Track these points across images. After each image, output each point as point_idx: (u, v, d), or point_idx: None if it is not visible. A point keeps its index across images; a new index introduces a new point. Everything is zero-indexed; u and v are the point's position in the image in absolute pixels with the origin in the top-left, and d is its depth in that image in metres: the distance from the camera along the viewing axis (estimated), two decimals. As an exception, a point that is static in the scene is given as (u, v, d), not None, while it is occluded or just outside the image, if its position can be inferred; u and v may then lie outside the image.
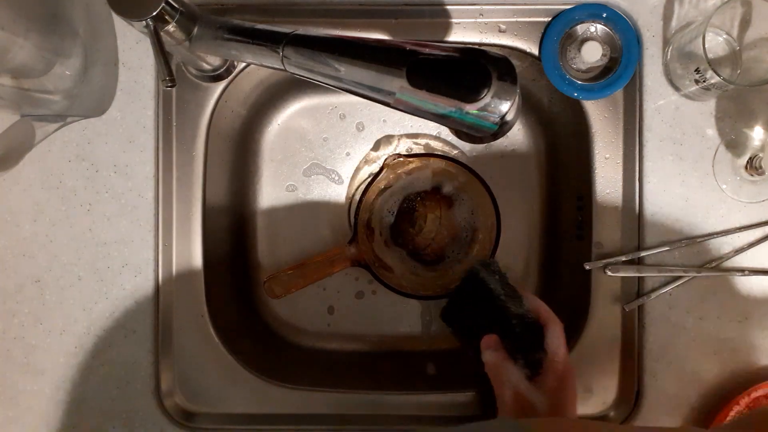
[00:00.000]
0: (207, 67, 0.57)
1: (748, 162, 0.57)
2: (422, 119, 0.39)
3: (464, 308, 0.58)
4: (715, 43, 0.56)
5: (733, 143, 0.58)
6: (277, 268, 0.68)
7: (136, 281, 0.58)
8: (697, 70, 0.52)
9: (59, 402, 0.58)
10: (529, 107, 0.68)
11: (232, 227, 0.68)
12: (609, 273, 0.58)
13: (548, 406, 0.49)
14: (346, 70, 0.40)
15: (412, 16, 0.59)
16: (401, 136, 0.69)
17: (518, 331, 0.53)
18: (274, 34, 0.44)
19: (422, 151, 0.68)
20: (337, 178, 0.69)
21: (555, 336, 0.52)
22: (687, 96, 0.57)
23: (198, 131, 0.59)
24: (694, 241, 0.58)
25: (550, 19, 0.58)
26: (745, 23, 0.55)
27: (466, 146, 0.70)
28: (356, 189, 0.70)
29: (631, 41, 0.56)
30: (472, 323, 0.57)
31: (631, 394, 0.59)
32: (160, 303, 0.59)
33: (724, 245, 0.58)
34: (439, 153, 0.68)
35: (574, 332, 0.60)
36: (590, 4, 0.57)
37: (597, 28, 0.57)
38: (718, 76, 0.50)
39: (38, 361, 0.58)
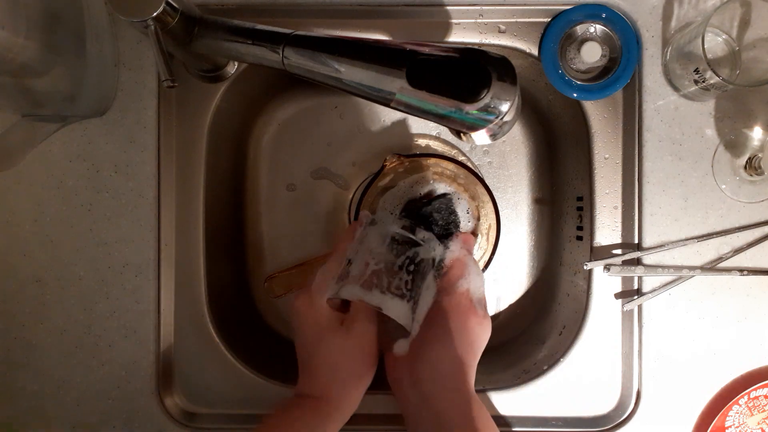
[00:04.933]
0: (207, 67, 0.58)
1: (747, 162, 0.57)
2: (422, 119, 0.39)
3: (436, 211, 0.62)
4: (715, 44, 0.56)
5: (733, 143, 0.58)
6: (278, 267, 0.68)
7: (136, 281, 0.58)
8: (696, 71, 0.52)
9: (60, 402, 0.58)
10: (529, 107, 0.68)
11: (232, 227, 0.68)
12: (608, 273, 0.58)
13: (482, 317, 0.52)
14: (346, 70, 0.40)
15: (412, 17, 0.59)
16: (401, 136, 0.69)
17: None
18: (274, 35, 0.44)
19: (422, 152, 0.68)
20: (337, 178, 0.69)
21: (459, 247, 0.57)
22: (686, 96, 0.57)
23: (198, 131, 0.59)
24: (694, 241, 0.58)
25: (549, 19, 0.58)
26: (744, 23, 0.55)
27: (465, 146, 0.70)
28: (356, 189, 0.70)
29: (630, 41, 0.56)
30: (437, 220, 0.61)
31: (631, 395, 0.59)
32: (161, 303, 0.59)
33: (723, 245, 0.58)
34: (439, 153, 0.68)
35: (573, 332, 0.60)
36: (589, 5, 0.57)
37: (596, 28, 0.57)
38: (718, 76, 0.50)
39: (38, 361, 0.58)
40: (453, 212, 0.62)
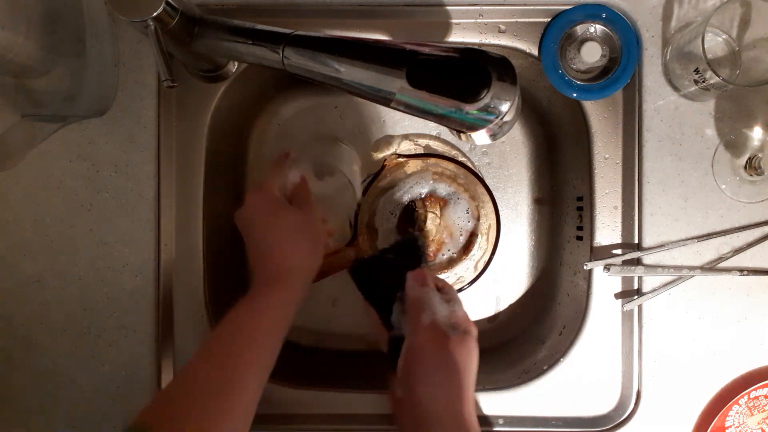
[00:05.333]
0: (207, 67, 0.58)
1: (747, 162, 0.57)
2: (422, 119, 0.39)
3: (383, 268, 0.59)
4: (715, 44, 0.56)
5: (733, 143, 0.58)
6: (278, 268, 0.68)
7: (136, 281, 0.58)
8: (696, 71, 0.52)
9: (60, 401, 0.58)
10: (529, 107, 0.68)
11: (232, 227, 0.68)
12: (608, 273, 0.58)
13: (458, 340, 0.51)
14: (346, 70, 0.40)
15: (412, 17, 0.59)
16: (401, 136, 0.69)
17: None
18: (274, 35, 0.44)
19: (422, 152, 0.68)
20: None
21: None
22: (686, 96, 0.57)
23: (199, 131, 0.59)
24: (693, 241, 0.58)
25: (549, 19, 0.58)
26: (744, 23, 0.55)
27: (465, 146, 0.70)
28: (356, 189, 0.70)
29: (630, 41, 0.56)
30: (388, 285, 0.58)
31: (631, 395, 0.59)
32: (161, 303, 0.59)
33: (723, 245, 0.58)
34: (439, 153, 0.68)
35: (573, 332, 0.60)
36: (589, 5, 0.57)
37: (596, 28, 0.57)
38: (718, 76, 0.50)
39: (39, 361, 0.58)
40: (410, 262, 0.59)
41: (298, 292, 0.52)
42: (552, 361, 0.60)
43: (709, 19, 0.50)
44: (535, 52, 0.58)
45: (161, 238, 0.59)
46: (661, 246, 0.58)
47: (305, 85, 0.68)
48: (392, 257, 0.60)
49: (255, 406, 0.45)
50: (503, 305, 0.71)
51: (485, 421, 0.59)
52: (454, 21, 0.59)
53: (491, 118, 0.36)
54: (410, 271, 0.56)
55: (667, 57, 0.57)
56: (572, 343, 0.59)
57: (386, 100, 0.39)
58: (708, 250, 0.58)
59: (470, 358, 0.52)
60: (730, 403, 0.57)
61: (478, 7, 0.58)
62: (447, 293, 0.56)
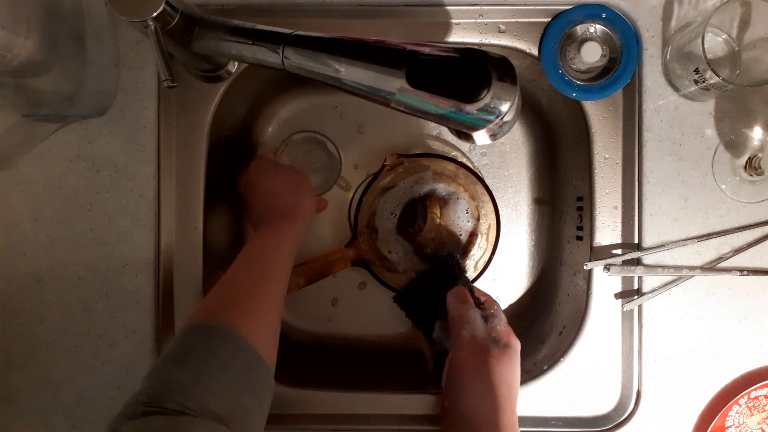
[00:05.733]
0: (207, 67, 0.58)
1: (747, 162, 0.57)
2: (422, 119, 0.39)
3: (424, 290, 0.62)
4: (715, 44, 0.56)
5: (733, 143, 0.58)
6: (278, 268, 0.68)
7: (136, 281, 0.58)
8: (696, 71, 0.52)
9: (60, 401, 0.58)
10: (529, 107, 0.68)
11: (232, 227, 0.68)
12: (608, 273, 0.58)
13: (498, 354, 0.52)
14: (346, 70, 0.40)
15: (412, 17, 0.59)
16: (401, 136, 0.69)
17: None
18: (274, 35, 0.44)
19: (422, 151, 0.68)
20: (337, 178, 0.69)
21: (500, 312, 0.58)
22: (686, 96, 0.57)
23: (199, 131, 0.59)
24: (693, 241, 0.58)
25: (549, 19, 0.58)
26: (744, 23, 0.55)
27: (465, 146, 0.70)
28: (356, 189, 0.70)
29: (630, 42, 0.56)
30: (429, 305, 0.60)
31: (631, 394, 0.59)
32: (161, 303, 0.59)
33: (723, 245, 0.58)
34: (439, 153, 0.68)
35: (573, 332, 0.60)
36: (589, 5, 0.57)
37: (596, 28, 0.57)
38: (718, 76, 0.50)
39: (39, 361, 0.58)
40: (452, 279, 0.61)
41: (301, 226, 0.60)
42: (552, 360, 0.60)
43: (709, 19, 0.50)
44: (535, 52, 0.58)
45: (161, 238, 0.59)
46: (661, 246, 0.58)
47: (305, 85, 0.68)
48: (431, 278, 0.62)
49: (281, 309, 0.52)
50: (503, 305, 0.71)
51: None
52: (454, 21, 0.59)
53: (491, 118, 0.36)
54: (450, 290, 0.57)
55: (667, 57, 0.57)
56: (572, 343, 0.59)
57: (386, 100, 0.39)
58: (708, 250, 0.58)
59: (511, 371, 0.53)
60: (730, 403, 0.57)
61: (478, 7, 0.58)
62: (488, 308, 0.57)
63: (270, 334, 0.49)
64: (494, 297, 0.70)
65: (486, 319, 0.56)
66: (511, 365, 0.53)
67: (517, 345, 0.54)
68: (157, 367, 0.43)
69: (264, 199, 0.62)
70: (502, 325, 0.55)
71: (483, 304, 0.58)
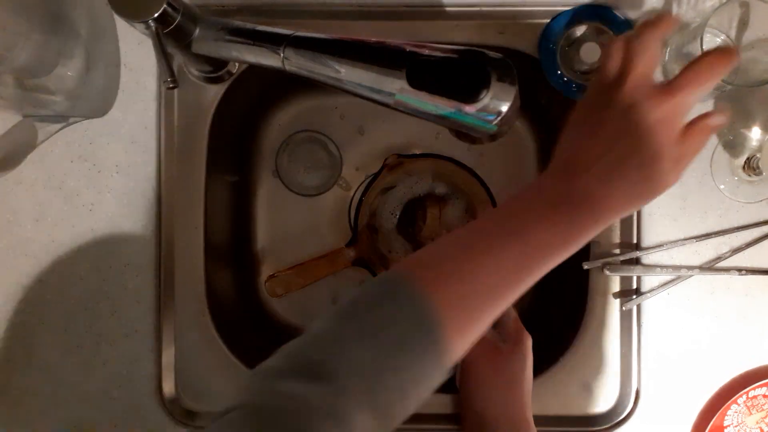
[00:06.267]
0: (208, 68, 0.58)
1: (745, 162, 0.57)
2: (422, 120, 0.39)
3: None
4: (714, 44, 0.57)
5: (731, 144, 0.58)
6: (279, 267, 0.68)
7: (137, 281, 0.59)
8: (694, 71, 0.53)
9: (60, 401, 0.59)
10: (528, 108, 0.68)
11: (233, 227, 0.68)
12: (607, 272, 0.58)
13: (509, 352, 0.51)
14: (346, 71, 0.40)
15: (412, 18, 0.59)
16: (401, 136, 0.69)
17: None
18: (274, 36, 0.44)
19: (422, 152, 0.69)
20: (338, 177, 0.69)
21: None
22: (685, 97, 0.57)
23: (199, 132, 0.59)
24: (692, 240, 0.58)
25: (548, 20, 0.58)
26: (743, 24, 0.56)
27: (465, 147, 0.70)
28: (356, 189, 0.70)
29: (629, 42, 0.57)
30: None
31: (630, 394, 0.59)
32: (162, 302, 0.59)
33: (721, 245, 0.58)
34: (439, 153, 0.68)
35: (572, 332, 0.60)
36: (589, 6, 0.57)
37: (595, 29, 0.58)
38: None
39: (40, 361, 0.59)
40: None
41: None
42: (550, 360, 0.60)
43: (708, 20, 0.50)
44: (534, 52, 0.59)
45: (162, 237, 0.59)
46: (659, 245, 0.58)
47: (305, 85, 0.68)
48: None
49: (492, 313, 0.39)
50: (503, 305, 0.71)
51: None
52: (453, 22, 0.59)
53: (491, 118, 0.36)
54: None
55: (666, 57, 0.57)
56: (571, 343, 0.59)
57: (386, 101, 0.39)
58: (706, 250, 0.58)
59: (522, 366, 0.52)
60: (729, 402, 0.57)
61: (478, 8, 0.58)
62: None
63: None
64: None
65: None
66: (522, 361, 0.52)
67: (527, 340, 0.53)
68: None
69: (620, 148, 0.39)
70: (510, 322, 0.54)
71: None
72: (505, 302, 0.38)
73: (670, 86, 0.39)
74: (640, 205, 0.42)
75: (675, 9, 0.58)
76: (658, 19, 0.41)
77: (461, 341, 0.37)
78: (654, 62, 0.40)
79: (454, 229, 0.43)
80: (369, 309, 0.36)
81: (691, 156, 0.41)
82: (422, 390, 0.36)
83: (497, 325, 0.54)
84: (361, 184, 0.70)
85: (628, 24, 0.57)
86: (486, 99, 0.36)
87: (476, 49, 0.37)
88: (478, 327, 0.38)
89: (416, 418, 0.58)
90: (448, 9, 0.58)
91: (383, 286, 0.37)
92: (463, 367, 0.53)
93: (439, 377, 0.36)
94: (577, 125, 0.42)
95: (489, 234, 0.39)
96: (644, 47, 0.40)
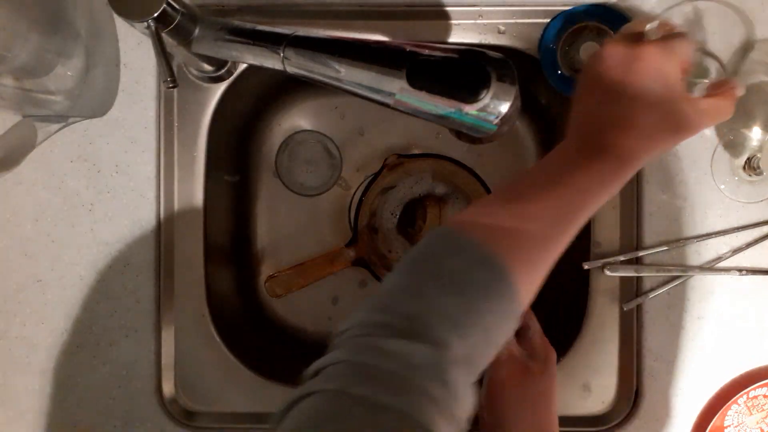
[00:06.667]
0: (208, 68, 0.58)
1: (746, 162, 0.57)
2: (422, 120, 0.39)
3: None
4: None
5: (731, 143, 0.58)
6: (278, 267, 0.68)
7: (137, 281, 0.59)
8: (695, 71, 0.53)
9: (61, 401, 0.59)
10: (528, 108, 0.68)
11: (233, 227, 0.68)
12: (607, 272, 0.58)
13: (539, 370, 0.50)
14: (346, 71, 0.40)
15: (412, 18, 0.59)
16: (401, 136, 0.69)
17: None
18: (274, 36, 0.44)
19: (422, 152, 0.69)
20: (338, 177, 0.69)
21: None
22: (685, 96, 0.57)
23: (199, 132, 0.59)
24: (692, 240, 0.58)
25: (548, 20, 0.58)
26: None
27: (465, 147, 0.70)
28: (357, 189, 0.70)
29: (629, 42, 0.57)
30: None
31: (630, 394, 0.59)
32: (162, 302, 0.59)
33: (722, 245, 0.58)
34: (439, 153, 0.68)
35: (572, 332, 0.60)
36: (588, 5, 0.57)
37: (595, 28, 0.58)
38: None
39: (40, 361, 0.59)
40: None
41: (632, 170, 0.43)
42: (551, 360, 0.60)
43: (708, 20, 0.50)
44: (534, 52, 0.59)
45: (162, 237, 0.59)
46: (660, 245, 0.58)
47: (305, 85, 0.68)
48: None
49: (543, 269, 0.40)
50: (503, 305, 0.71)
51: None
52: (453, 22, 0.59)
53: (491, 118, 0.36)
54: None
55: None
56: (571, 343, 0.59)
57: (386, 101, 0.39)
58: (707, 250, 0.58)
59: (550, 384, 0.51)
60: (729, 402, 0.57)
61: (478, 8, 0.58)
62: (522, 318, 0.53)
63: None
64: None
65: (519, 330, 0.52)
66: (550, 379, 0.51)
67: (554, 356, 0.52)
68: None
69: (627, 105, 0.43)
70: (536, 337, 0.53)
71: None
72: (556, 249, 0.40)
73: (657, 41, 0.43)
74: (670, 145, 0.45)
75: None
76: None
77: (527, 288, 0.38)
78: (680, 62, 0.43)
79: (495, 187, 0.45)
80: (439, 261, 0.36)
81: (714, 112, 0.44)
82: (501, 336, 0.37)
83: (522, 339, 0.52)
84: (361, 184, 0.70)
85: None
86: (486, 99, 0.36)
87: (476, 49, 0.37)
88: (538, 274, 0.39)
89: None
90: (448, 9, 0.58)
91: (444, 241, 0.38)
92: (491, 386, 0.51)
93: (514, 324, 0.38)
94: (585, 92, 0.46)
95: (532, 185, 0.42)
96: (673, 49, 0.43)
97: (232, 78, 0.60)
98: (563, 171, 0.42)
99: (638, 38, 0.44)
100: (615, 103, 0.43)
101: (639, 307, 0.58)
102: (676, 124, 0.43)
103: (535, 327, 0.53)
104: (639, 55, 0.42)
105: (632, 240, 0.59)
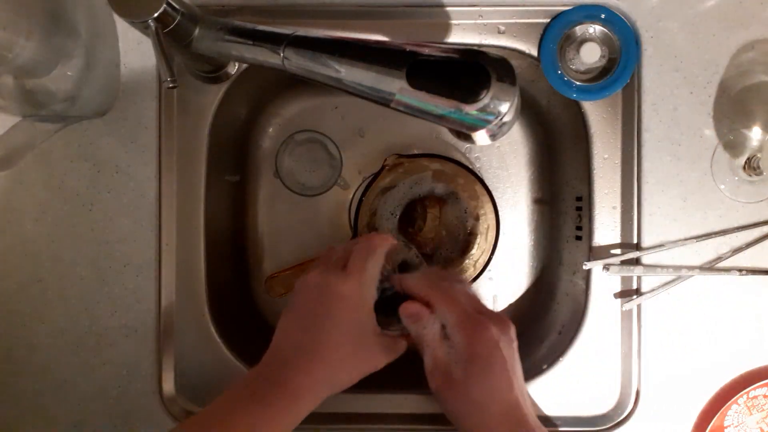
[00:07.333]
0: (208, 68, 0.58)
1: (746, 162, 0.57)
2: (422, 120, 0.39)
3: (388, 305, 0.53)
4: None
5: (731, 144, 0.58)
6: (279, 267, 0.68)
7: (137, 281, 0.59)
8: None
9: (61, 401, 0.59)
10: (528, 108, 0.68)
11: (233, 227, 0.68)
12: (608, 273, 0.58)
13: (462, 369, 0.48)
14: (346, 71, 0.40)
15: (412, 17, 0.59)
16: (401, 136, 0.69)
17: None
18: (274, 35, 0.44)
19: (422, 152, 0.69)
20: (338, 177, 0.69)
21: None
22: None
23: (199, 132, 0.59)
24: (692, 240, 0.58)
25: (549, 20, 0.58)
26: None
27: (465, 147, 0.70)
28: (356, 189, 0.70)
29: (629, 42, 0.57)
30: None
31: (630, 394, 0.59)
32: (162, 302, 0.59)
33: (722, 245, 0.58)
34: (439, 153, 0.68)
35: (572, 332, 0.60)
36: (589, 6, 0.57)
37: (595, 29, 0.58)
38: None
39: (40, 361, 0.59)
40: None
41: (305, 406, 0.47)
42: (551, 360, 0.60)
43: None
44: (534, 52, 0.59)
45: (162, 237, 0.59)
46: (660, 246, 0.58)
47: (306, 85, 0.68)
48: (389, 289, 0.54)
49: None
50: (502, 305, 0.71)
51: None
52: (453, 22, 0.59)
53: (491, 118, 0.36)
54: (401, 307, 0.51)
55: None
56: (571, 343, 0.59)
57: (386, 101, 0.39)
58: (707, 250, 0.58)
59: (482, 383, 0.49)
60: (729, 402, 0.57)
61: (478, 8, 0.58)
62: (441, 306, 0.50)
63: None
64: (493, 297, 0.71)
65: (444, 327, 0.50)
66: (484, 377, 0.48)
67: (484, 349, 0.48)
68: None
69: (296, 323, 0.49)
70: (455, 331, 0.49)
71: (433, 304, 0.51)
72: None
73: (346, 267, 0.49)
74: (345, 385, 0.49)
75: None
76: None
77: None
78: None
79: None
80: None
81: (396, 350, 0.52)
82: None
83: (445, 338, 0.50)
84: (361, 184, 0.70)
85: (628, 24, 0.57)
86: (486, 99, 0.36)
87: (476, 49, 0.37)
88: None
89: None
90: (448, 9, 0.58)
91: None
92: (436, 395, 0.51)
93: None
94: (284, 317, 0.50)
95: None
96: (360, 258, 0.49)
97: (232, 78, 0.60)
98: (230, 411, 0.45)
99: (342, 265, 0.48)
100: (306, 331, 0.47)
101: (639, 307, 0.58)
102: (366, 359, 0.48)
103: (452, 319, 0.49)
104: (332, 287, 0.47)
105: (632, 240, 0.59)
